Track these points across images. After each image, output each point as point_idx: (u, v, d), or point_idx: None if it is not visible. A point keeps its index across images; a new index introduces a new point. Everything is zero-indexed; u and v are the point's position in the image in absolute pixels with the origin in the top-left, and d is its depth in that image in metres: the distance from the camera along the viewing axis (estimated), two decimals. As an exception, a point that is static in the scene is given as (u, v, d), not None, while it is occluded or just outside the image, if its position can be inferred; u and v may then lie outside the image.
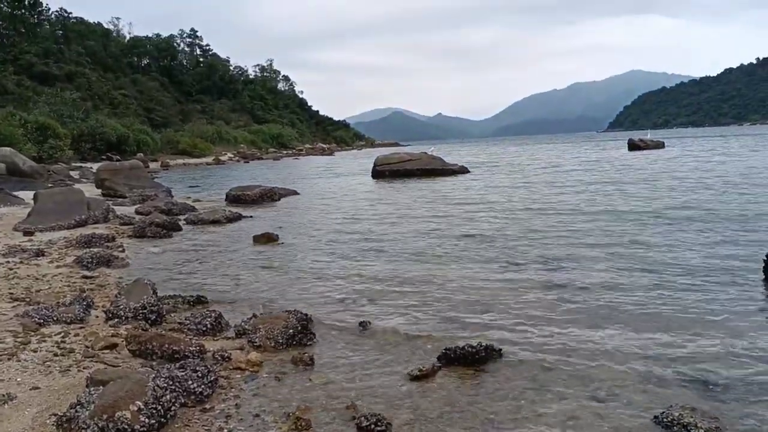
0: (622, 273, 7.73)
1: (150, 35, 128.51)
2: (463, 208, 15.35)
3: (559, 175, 25.89)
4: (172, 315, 6.53)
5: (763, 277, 7.16)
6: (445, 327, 5.95)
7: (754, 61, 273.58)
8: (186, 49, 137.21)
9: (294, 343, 5.45)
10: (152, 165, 52.53)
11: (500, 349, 5.07)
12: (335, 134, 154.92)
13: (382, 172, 29.46)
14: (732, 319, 5.75)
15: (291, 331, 5.50)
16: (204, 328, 5.84)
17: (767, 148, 40.18)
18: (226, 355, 5.08)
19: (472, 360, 4.94)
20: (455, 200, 17.43)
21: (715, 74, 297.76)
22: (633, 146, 46.77)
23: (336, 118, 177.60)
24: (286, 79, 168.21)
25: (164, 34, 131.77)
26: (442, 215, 14.07)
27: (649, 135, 55.89)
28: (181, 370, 4.37)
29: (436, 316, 6.29)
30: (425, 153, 32.80)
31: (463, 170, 30.21)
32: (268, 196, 19.81)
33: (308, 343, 5.52)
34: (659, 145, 47.69)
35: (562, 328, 5.72)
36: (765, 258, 7.23)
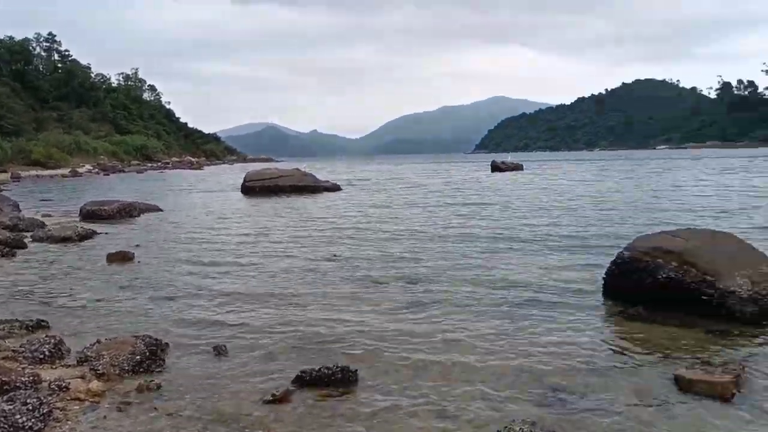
0: (473, 295, 8.04)
1: (2, 37, 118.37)
2: (326, 228, 15.35)
3: (423, 195, 26.59)
4: (7, 341, 6.00)
5: (602, 296, 7.74)
6: (301, 350, 5.89)
7: (603, 92, 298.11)
8: (43, 53, 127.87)
9: (141, 370, 5.18)
10: (1, 176, 48.36)
11: (356, 371, 5.10)
12: (205, 147, 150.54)
13: (252, 188, 28.98)
14: (572, 337, 6.16)
15: (138, 357, 5.22)
16: (41, 356, 5.41)
17: (612, 174, 43.75)
18: (64, 384, 4.74)
19: (327, 382, 4.93)
20: (321, 219, 17.41)
21: (569, 102, 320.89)
22: (495, 168, 49.29)
23: (206, 131, 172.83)
24: (152, 88, 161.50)
25: (18, 36, 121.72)
26: (306, 235, 14.01)
27: (509, 157, 59.14)
28: (9, 403, 4.02)
29: (292, 338, 6.22)
30: (298, 169, 32.67)
31: (335, 188, 30.42)
32: (127, 212, 18.83)
33: (157, 370, 5.26)
34: (518, 168, 50.60)
35: (414, 350, 5.84)
36: (604, 277, 7.83)
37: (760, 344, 5.81)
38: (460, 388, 4.88)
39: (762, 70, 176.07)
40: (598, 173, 44.99)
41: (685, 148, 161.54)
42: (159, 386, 4.81)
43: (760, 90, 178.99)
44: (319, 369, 5.00)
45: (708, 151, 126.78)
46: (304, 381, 4.95)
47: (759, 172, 38.17)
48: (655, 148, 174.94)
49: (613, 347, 5.90)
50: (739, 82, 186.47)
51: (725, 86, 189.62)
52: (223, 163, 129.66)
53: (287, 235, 14.27)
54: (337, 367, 5.02)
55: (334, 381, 4.94)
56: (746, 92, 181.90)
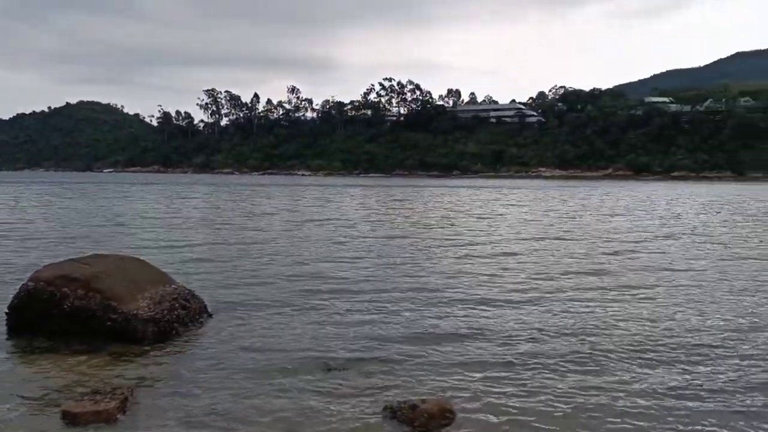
0: None
1: None
2: None
3: None
4: None
5: (7, 332, 7.01)
6: None
7: (47, 110, 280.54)
8: None
9: None
10: None
11: None
12: None
13: None
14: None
15: None
16: None
17: (54, 199, 41.55)
18: None
19: None
20: None
21: (7, 118, 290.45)
22: None
23: None
24: None
25: None
26: None
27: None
28: None
29: None
30: None
31: None
32: None
33: None
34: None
35: None
36: (6, 312, 7.12)
37: (157, 363, 6.16)
38: None
39: (197, 104, 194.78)
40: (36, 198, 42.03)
41: (132, 171, 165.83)
42: None
43: (196, 122, 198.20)
44: None
45: (152, 176, 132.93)
46: None
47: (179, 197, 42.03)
48: (102, 171, 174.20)
49: (11, 388, 5.36)
50: (178, 113, 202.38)
51: (166, 116, 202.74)
52: None
53: None
54: None
55: None
56: (184, 123, 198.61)
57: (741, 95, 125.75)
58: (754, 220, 25.33)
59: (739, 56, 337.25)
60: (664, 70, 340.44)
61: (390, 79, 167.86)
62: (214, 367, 6.00)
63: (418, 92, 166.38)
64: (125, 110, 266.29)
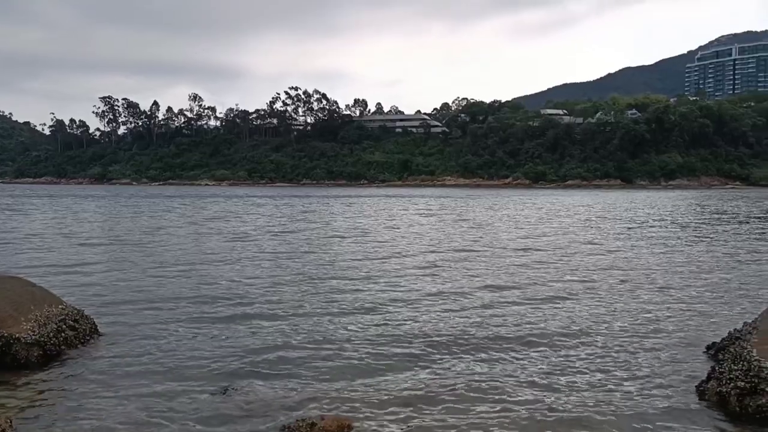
0: None
1: None
2: None
3: None
4: None
5: None
6: None
7: None
8: None
9: None
10: None
11: None
12: None
13: None
14: None
15: None
16: None
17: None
18: None
19: None
20: None
21: None
22: None
23: None
24: None
25: None
26: None
27: None
28: None
29: None
30: None
31: None
32: None
33: None
34: None
35: None
36: None
37: (41, 389, 5.94)
38: None
39: (93, 112, 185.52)
40: None
41: (22, 183, 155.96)
42: None
43: (91, 131, 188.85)
44: None
45: (44, 188, 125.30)
46: None
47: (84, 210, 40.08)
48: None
49: None
50: (72, 121, 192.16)
51: (59, 124, 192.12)
52: None
53: None
54: None
55: None
56: (79, 131, 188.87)
57: (628, 107, 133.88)
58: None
59: (627, 71, 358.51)
60: (559, 84, 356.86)
61: (296, 88, 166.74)
62: (104, 391, 5.86)
63: (324, 101, 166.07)
64: (14, 118, 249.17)
